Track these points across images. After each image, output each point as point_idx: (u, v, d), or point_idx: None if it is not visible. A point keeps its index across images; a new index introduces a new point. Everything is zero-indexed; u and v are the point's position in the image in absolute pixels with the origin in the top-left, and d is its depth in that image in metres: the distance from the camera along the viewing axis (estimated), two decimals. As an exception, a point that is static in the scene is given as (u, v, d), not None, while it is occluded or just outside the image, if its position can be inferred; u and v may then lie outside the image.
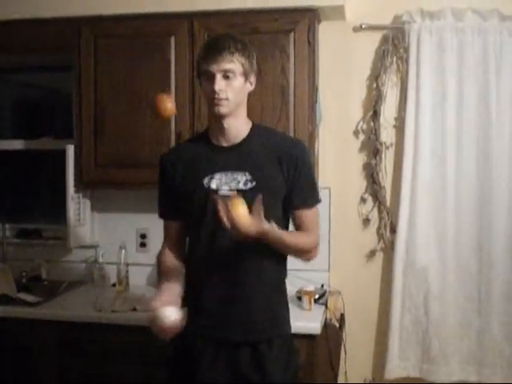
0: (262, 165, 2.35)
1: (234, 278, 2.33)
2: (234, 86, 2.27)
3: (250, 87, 2.37)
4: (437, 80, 3.34)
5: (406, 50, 3.37)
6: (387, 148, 3.48)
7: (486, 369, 3.39)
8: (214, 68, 2.24)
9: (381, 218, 3.52)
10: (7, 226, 3.97)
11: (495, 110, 3.29)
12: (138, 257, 3.75)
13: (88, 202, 3.75)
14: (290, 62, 3.18)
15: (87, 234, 3.76)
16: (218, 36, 2.41)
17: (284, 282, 2.48)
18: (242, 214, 2.11)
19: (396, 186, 3.47)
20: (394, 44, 3.41)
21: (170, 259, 2.50)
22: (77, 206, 3.63)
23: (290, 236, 2.38)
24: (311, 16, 3.20)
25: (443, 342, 3.37)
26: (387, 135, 3.48)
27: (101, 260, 3.74)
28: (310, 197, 2.45)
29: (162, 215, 2.57)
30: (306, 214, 2.43)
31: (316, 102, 3.31)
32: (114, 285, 3.61)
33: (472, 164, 3.34)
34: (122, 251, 3.59)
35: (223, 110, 2.28)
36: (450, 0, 3.34)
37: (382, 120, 3.46)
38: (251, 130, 2.41)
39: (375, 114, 3.45)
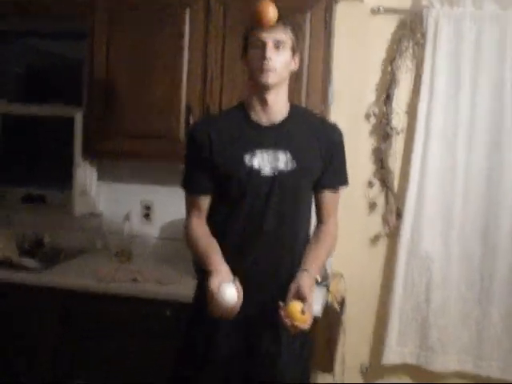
0: (302, 146, 2.34)
1: (269, 256, 2.32)
2: (283, 58, 2.26)
3: (294, 66, 2.35)
4: (452, 67, 3.30)
5: (423, 36, 3.34)
6: (398, 133, 3.46)
7: (483, 361, 3.39)
8: (266, 36, 2.22)
9: (387, 203, 3.51)
10: (12, 190, 3.96)
11: (510, 99, 3.26)
12: (142, 228, 3.75)
13: (95, 171, 3.74)
14: (306, 41, 3.13)
15: (92, 202, 3.75)
16: None
17: None
18: (299, 318, 2.16)
19: (404, 171, 3.45)
20: (411, 28, 3.37)
21: (207, 232, 2.40)
22: (83, 174, 3.61)
23: (320, 262, 2.41)
24: (329, -5, 3.17)
25: (442, 330, 3.38)
26: (399, 120, 3.45)
27: (104, 229, 3.74)
28: (340, 180, 2.47)
29: (192, 190, 2.42)
30: (331, 196, 2.45)
31: (329, 83, 3.29)
32: (116, 255, 3.60)
33: (482, 153, 3.32)
34: (126, 222, 3.59)
35: (271, 79, 2.24)
36: (469, -13, 3.30)
37: (394, 105, 3.43)
38: (291, 109, 2.39)
39: (388, 99, 3.43)
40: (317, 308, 2.92)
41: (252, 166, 2.28)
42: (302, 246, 2.42)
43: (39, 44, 4.12)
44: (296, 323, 2.15)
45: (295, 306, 2.17)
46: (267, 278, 2.36)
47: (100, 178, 3.79)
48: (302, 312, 2.15)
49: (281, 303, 2.19)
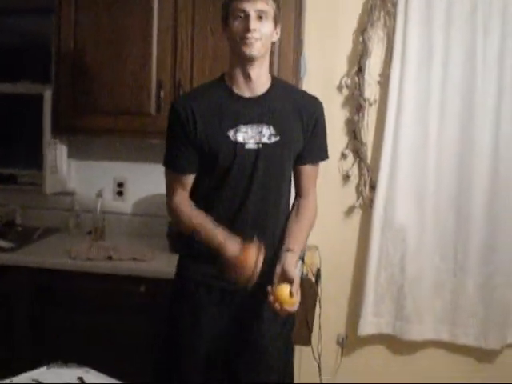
0: (285, 119, 2.33)
1: (255, 231, 2.28)
2: (267, 29, 2.23)
3: (275, 36, 2.32)
4: (423, 37, 3.29)
5: (394, 5, 3.32)
6: (370, 104, 3.44)
7: (459, 329, 3.42)
8: (248, 7, 2.18)
9: (361, 175, 3.51)
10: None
11: (481, 68, 3.26)
12: (115, 205, 3.72)
13: (65, 149, 3.69)
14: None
15: (64, 180, 3.71)
16: None
17: None
18: (288, 301, 2.16)
19: (377, 143, 3.45)
20: (382, -2, 3.36)
21: (194, 207, 2.37)
22: (53, 152, 3.57)
23: (303, 238, 2.41)
24: (299, -35, 3.14)
25: (417, 300, 3.40)
26: (371, 92, 3.44)
27: (77, 207, 3.70)
28: (321, 154, 2.48)
29: (177, 168, 2.36)
30: (311, 170, 2.46)
31: (301, 54, 3.26)
32: (89, 233, 3.57)
33: (455, 123, 3.33)
34: (98, 199, 3.55)
35: (255, 51, 2.22)
36: (441, -44, 3.28)
37: (366, 76, 3.41)
38: (272, 82, 2.37)
39: (360, 70, 3.41)
40: (292, 280, 2.92)
41: (236, 140, 2.27)
42: (284, 217, 2.43)
43: (5, 21, 4.04)
44: (285, 307, 2.16)
45: (283, 289, 2.17)
46: None
47: (71, 155, 3.74)
48: (290, 294, 2.15)
49: (269, 288, 2.18)
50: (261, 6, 2.19)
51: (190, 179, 2.37)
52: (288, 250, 2.29)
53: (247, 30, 2.18)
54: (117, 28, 3.26)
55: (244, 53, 2.22)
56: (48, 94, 3.43)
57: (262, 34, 2.21)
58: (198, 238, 2.32)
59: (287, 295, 2.16)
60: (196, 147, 2.31)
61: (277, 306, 2.16)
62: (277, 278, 2.22)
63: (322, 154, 2.49)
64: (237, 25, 2.21)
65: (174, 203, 2.39)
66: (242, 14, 2.19)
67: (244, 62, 2.26)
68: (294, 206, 2.47)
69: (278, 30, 2.32)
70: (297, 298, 2.19)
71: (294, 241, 2.34)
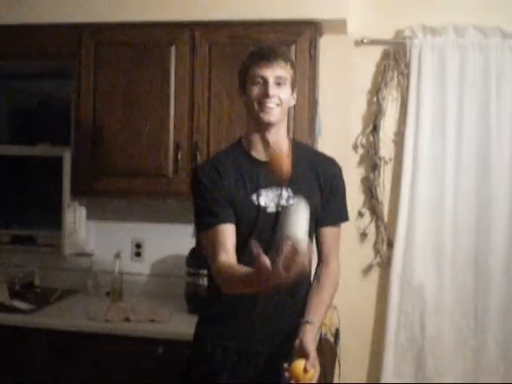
0: (302, 181, 2.33)
1: (275, 295, 2.22)
2: (285, 95, 2.25)
3: (292, 101, 2.34)
4: (437, 96, 3.33)
5: (407, 66, 3.37)
6: (386, 163, 3.47)
7: (481, 388, 3.37)
8: (267, 73, 2.20)
9: (378, 233, 3.50)
10: (1, 231, 3.93)
11: (495, 127, 3.28)
12: (133, 266, 3.73)
13: (84, 210, 3.72)
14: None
15: (82, 241, 3.73)
16: (265, 45, 2.42)
17: None
18: (302, 377, 2.09)
19: (394, 201, 3.46)
20: (395, 59, 3.40)
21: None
22: (72, 213, 3.60)
23: (324, 309, 2.36)
24: (313, 29, 3.20)
25: (438, 360, 3.35)
26: (386, 150, 3.47)
27: (95, 269, 3.72)
28: (340, 216, 2.46)
29: (212, 222, 2.25)
30: (332, 233, 2.44)
31: (316, 115, 3.30)
32: (107, 294, 3.57)
33: (471, 181, 3.33)
34: (116, 260, 3.56)
35: (273, 117, 2.24)
36: (451, 16, 3.33)
37: (381, 135, 3.45)
38: (290, 144, 2.38)
39: (375, 129, 3.44)
40: (311, 341, 2.90)
41: (259, 204, 2.28)
42: (306, 282, 2.40)
43: (24, 85, 4.12)
44: (302, 383, 2.09)
45: (299, 366, 2.11)
46: (270, 317, 2.35)
47: (89, 217, 3.77)
48: (304, 370, 2.10)
49: (285, 365, 2.12)
50: (279, 72, 2.22)
51: (228, 232, 2.25)
52: (308, 323, 2.25)
53: (266, 96, 2.20)
54: (134, 91, 3.33)
55: (262, 119, 2.24)
56: (67, 156, 3.48)
57: (281, 100, 2.23)
58: (237, 285, 2.12)
59: (301, 371, 2.11)
60: (227, 203, 2.28)
61: (292, 382, 2.09)
62: (295, 352, 2.17)
63: (342, 216, 2.47)
64: (255, 91, 2.23)
65: (217, 264, 2.20)
66: (261, 80, 2.21)
67: (262, 127, 2.28)
68: (316, 273, 2.44)
69: (295, 95, 2.34)
70: (313, 373, 2.11)
71: (314, 313, 2.29)
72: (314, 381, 2.13)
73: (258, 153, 2.33)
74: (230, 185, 2.29)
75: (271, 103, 2.21)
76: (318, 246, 2.45)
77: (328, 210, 2.40)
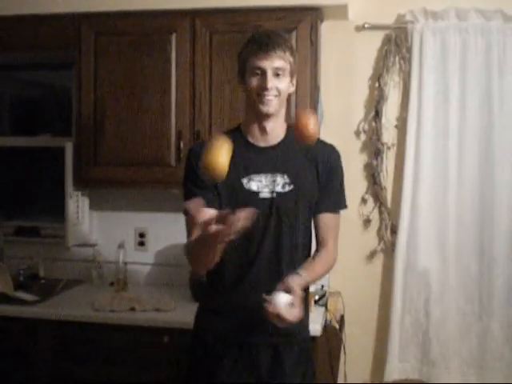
0: (299, 168, 2.32)
1: (266, 282, 2.24)
2: (283, 85, 2.23)
3: (291, 88, 2.32)
4: (439, 80, 3.31)
5: (409, 50, 3.35)
6: (389, 148, 3.45)
7: (486, 372, 3.36)
8: (266, 64, 2.19)
9: (381, 219, 3.50)
10: (5, 223, 3.93)
11: (498, 110, 3.27)
12: (137, 256, 3.73)
13: (87, 201, 3.72)
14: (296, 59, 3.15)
15: (86, 232, 3.73)
16: (264, 32, 2.31)
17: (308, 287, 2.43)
18: (286, 313, 2.05)
19: (397, 186, 3.45)
20: (396, 44, 3.39)
21: None
22: (75, 204, 3.60)
23: (315, 274, 2.32)
24: (314, 15, 3.19)
25: (443, 344, 3.35)
26: (389, 136, 3.45)
27: (99, 259, 3.72)
28: (338, 202, 2.44)
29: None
30: (330, 219, 2.40)
31: (317, 101, 3.29)
32: (112, 284, 3.58)
33: (474, 165, 3.32)
34: (120, 250, 3.57)
35: (271, 108, 2.23)
36: (453, 0, 3.31)
37: (383, 120, 3.43)
38: (287, 131, 2.36)
39: (377, 115, 3.43)
40: (316, 327, 2.90)
41: (250, 189, 2.27)
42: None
43: (25, 76, 4.12)
44: (281, 314, 2.04)
45: (281, 297, 2.08)
46: (258, 299, 2.33)
47: (92, 207, 3.77)
48: (288, 304, 2.06)
49: (264, 295, 2.08)
50: (278, 63, 2.20)
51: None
52: (295, 273, 2.21)
53: (264, 88, 2.19)
54: (135, 80, 3.32)
55: (261, 110, 2.23)
56: (69, 147, 3.47)
57: (279, 91, 2.22)
58: (197, 254, 2.13)
59: (283, 303, 2.05)
60: (214, 189, 2.28)
61: (273, 312, 2.04)
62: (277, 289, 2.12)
63: (340, 203, 2.45)
64: (254, 82, 2.22)
65: (187, 242, 2.23)
66: (259, 72, 2.20)
67: (260, 117, 2.27)
68: (313, 255, 2.42)
69: (294, 81, 2.32)
70: (295, 310, 2.06)
71: (304, 269, 2.26)
72: (293, 318, 2.07)
73: (255, 139, 2.32)
74: None
75: (269, 95, 2.21)
76: (316, 233, 2.43)
77: (327, 196, 2.38)
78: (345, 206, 2.47)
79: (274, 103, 2.22)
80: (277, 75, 2.21)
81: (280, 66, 2.20)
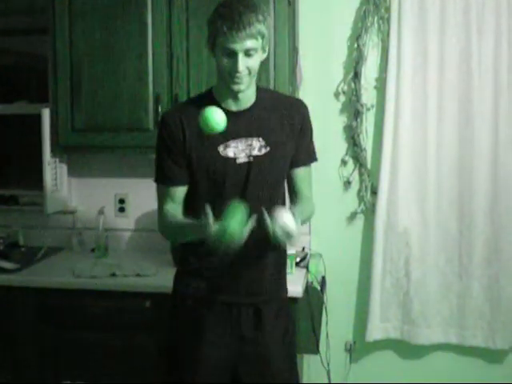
0: (273, 129, 2.31)
1: (246, 243, 2.22)
2: (255, 62, 2.19)
3: (264, 55, 2.27)
4: (418, 40, 3.30)
5: (387, 10, 3.33)
6: (368, 110, 3.45)
7: (467, 331, 3.41)
8: (236, 47, 2.12)
9: (362, 181, 3.50)
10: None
11: (477, 70, 3.27)
12: (117, 222, 3.72)
13: (65, 167, 3.69)
14: (270, 22, 3.11)
15: (65, 199, 3.70)
16: (232, 3, 2.16)
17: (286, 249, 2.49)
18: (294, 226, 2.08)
19: (377, 148, 3.46)
20: (375, 3, 3.35)
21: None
22: (53, 171, 3.57)
23: (304, 215, 2.35)
24: (291, -26, 3.14)
25: (424, 304, 3.39)
26: (368, 97, 3.44)
27: (79, 226, 3.70)
28: (310, 155, 2.45)
29: (167, 181, 2.32)
30: (305, 171, 2.43)
31: (296, 63, 3.27)
32: (92, 250, 3.57)
33: (453, 125, 3.33)
34: (100, 216, 3.55)
35: (243, 86, 2.20)
36: (432, -41, 3.29)
37: (363, 81, 3.42)
38: (258, 93, 2.34)
39: (356, 76, 3.41)
40: (297, 289, 2.92)
41: (227, 155, 2.25)
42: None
43: (0, 42, 4.05)
44: (290, 227, 2.06)
45: (284, 212, 2.10)
46: (248, 264, 2.34)
47: (71, 174, 3.74)
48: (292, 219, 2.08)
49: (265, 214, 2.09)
50: (249, 44, 2.13)
51: (180, 192, 2.33)
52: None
53: (235, 70, 2.15)
54: (112, 45, 3.27)
55: (232, 88, 2.21)
56: (46, 113, 3.43)
57: (250, 70, 2.18)
58: (183, 237, 2.29)
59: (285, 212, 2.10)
60: (186, 160, 2.28)
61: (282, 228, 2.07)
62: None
63: (312, 155, 2.46)
64: (224, 62, 2.17)
65: (162, 214, 2.34)
66: (230, 52, 2.14)
67: (232, 91, 2.24)
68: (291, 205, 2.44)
69: (267, 47, 2.26)
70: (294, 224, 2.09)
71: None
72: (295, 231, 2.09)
73: (227, 103, 2.29)
74: (194, 136, 2.26)
75: (241, 76, 2.17)
76: (289, 188, 2.45)
77: (301, 151, 2.39)
78: (315, 159, 2.48)
79: (245, 81, 2.19)
80: (248, 55, 2.15)
81: (251, 47, 2.14)
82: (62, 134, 3.38)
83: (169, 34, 3.20)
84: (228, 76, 2.19)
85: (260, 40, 2.17)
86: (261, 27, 2.14)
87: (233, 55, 2.14)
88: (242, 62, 2.15)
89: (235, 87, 2.20)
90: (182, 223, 2.26)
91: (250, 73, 2.19)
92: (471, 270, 3.38)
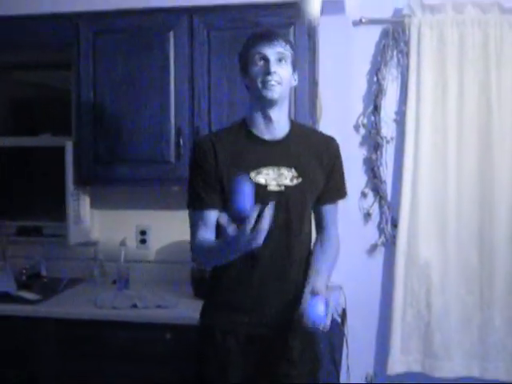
0: (306, 161, 2.35)
1: (276, 272, 2.29)
2: (286, 72, 2.26)
3: (294, 82, 2.35)
4: (437, 73, 3.32)
5: (407, 44, 3.36)
6: (388, 142, 3.46)
7: (489, 363, 3.37)
8: (268, 51, 2.23)
9: (382, 213, 3.51)
10: (7, 223, 3.94)
11: (496, 103, 3.28)
12: (138, 254, 3.74)
13: (87, 199, 3.72)
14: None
15: (87, 230, 3.73)
16: (263, 28, 2.45)
17: None
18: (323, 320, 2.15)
19: (397, 180, 3.46)
20: (394, 38, 3.39)
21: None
22: (76, 202, 3.60)
23: (329, 269, 2.40)
24: (311, 10, 3.18)
25: (445, 336, 3.36)
26: (388, 129, 3.46)
27: (101, 257, 3.73)
28: (338, 193, 2.50)
29: (200, 204, 2.32)
30: (330, 209, 2.48)
31: (316, 96, 3.29)
32: (114, 282, 3.58)
33: (473, 158, 3.33)
34: (121, 248, 3.57)
35: (275, 94, 2.24)
36: (450, -7, 3.32)
37: (382, 114, 3.44)
38: (291, 126, 2.39)
39: (376, 109, 3.44)
40: (318, 322, 2.91)
41: (258, 182, 2.27)
42: (306, 257, 2.42)
43: (25, 76, 4.12)
44: (321, 324, 2.13)
45: (315, 306, 2.14)
46: (275, 294, 2.35)
47: (94, 205, 3.77)
48: (323, 310, 2.13)
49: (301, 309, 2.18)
50: (280, 49, 2.24)
51: (213, 217, 2.30)
52: (314, 274, 2.30)
53: (267, 73, 2.22)
54: (134, 78, 3.32)
55: (265, 96, 2.24)
56: (69, 146, 3.47)
57: (282, 78, 2.24)
58: (219, 258, 2.22)
59: (320, 311, 2.13)
60: (218, 185, 2.30)
61: (305, 318, 2.14)
62: (305, 295, 2.22)
63: (341, 193, 2.51)
64: (257, 69, 2.24)
65: (198, 241, 2.32)
66: (262, 59, 2.23)
67: (264, 105, 2.28)
68: (316, 240, 2.49)
69: (296, 76, 2.36)
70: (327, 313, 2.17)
71: (317, 272, 2.32)
72: (326, 321, 2.17)
73: (260, 131, 2.33)
74: (227, 162, 2.29)
75: (273, 80, 2.22)
76: (316, 222, 2.50)
77: (330, 188, 2.43)
78: (345, 195, 2.53)
79: (277, 89, 2.23)
80: (279, 60, 2.24)
81: (282, 52, 2.24)
82: (85, 166, 3.42)
83: (190, 68, 3.24)
84: (260, 84, 2.24)
85: (289, 54, 2.27)
86: (289, 46, 2.29)
87: (265, 61, 2.23)
88: (274, 65, 2.22)
89: (268, 94, 2.24)
90: (216, 241, 2.25)
91: (281, 81, 2.24)
92: (492, 301, 3.36)
